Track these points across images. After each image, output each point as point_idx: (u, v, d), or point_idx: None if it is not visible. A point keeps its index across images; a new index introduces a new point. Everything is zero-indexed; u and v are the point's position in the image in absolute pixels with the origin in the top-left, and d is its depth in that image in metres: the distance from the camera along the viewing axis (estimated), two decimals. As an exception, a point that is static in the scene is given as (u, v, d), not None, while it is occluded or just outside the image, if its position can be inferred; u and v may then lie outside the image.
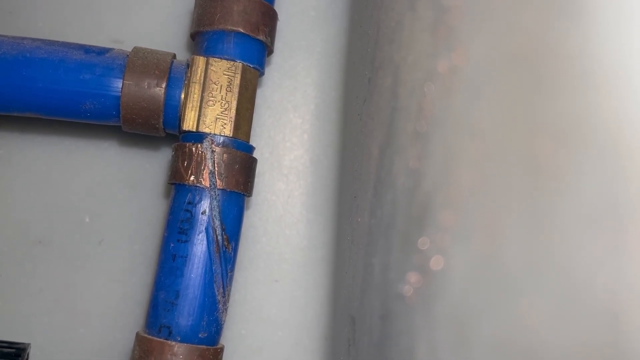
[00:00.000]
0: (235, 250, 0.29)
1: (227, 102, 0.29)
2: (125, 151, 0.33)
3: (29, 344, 0.29)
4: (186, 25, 0.34)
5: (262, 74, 0.31)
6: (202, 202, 0.28)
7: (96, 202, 0.32)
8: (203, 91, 0.29)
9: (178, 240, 0.28)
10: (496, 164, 0.16)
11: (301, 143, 0.34)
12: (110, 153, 0.33)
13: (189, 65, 0.30)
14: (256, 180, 0.33)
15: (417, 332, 0.18)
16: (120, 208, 0.33)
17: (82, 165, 0.33)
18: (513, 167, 0.15)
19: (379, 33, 0.25)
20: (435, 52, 0.19)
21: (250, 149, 0.30)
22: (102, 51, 0.29)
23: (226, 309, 0.29)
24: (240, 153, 0.29)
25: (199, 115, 0.29)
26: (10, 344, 0.28)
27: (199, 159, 0.28)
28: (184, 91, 0.29)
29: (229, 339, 0.32)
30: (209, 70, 0.29)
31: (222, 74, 0.29)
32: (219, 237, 0.28)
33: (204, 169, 0.28)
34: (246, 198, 0.30)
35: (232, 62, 0.29)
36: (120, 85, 0.28)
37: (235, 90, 0.29)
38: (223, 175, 0.28)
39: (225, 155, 0.28)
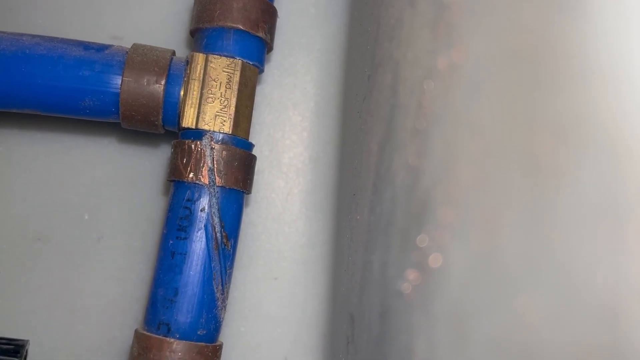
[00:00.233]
0: (234, 247, 0.29)
1: (227, 99, 0.29)
2: (124, 148, 0.33)
3: (27, 341, 0.29)
4: (186, 22, 0.34)
5: (261, 71, 0.31)
6: (201, 199, 0.28)
7: (95, 199, 0.32)
8: (202, 88, 0.29)
9: (177, 238, 0.28)
10: (495, 161, 0.16)
11: (300, 140, 0.34)
12: (110, 150, 0.33)
13: (188, 62, 0.30)
14: (255, 177, 0.33)
15: (416, 330, 0.18)
16: (119, 205, 0.33)
17: (81, 162, 0.33)
18: (512, 164, 0.15)
19: (378, 30, 0.25)
20: (435, 49, 0.19)
21: (250, 146, 0.30)
22: (101, 48, 0.29)
23: (225, 306, 0.29)
24: (240, 150, 0.29)
25: (198, 112, 0.29)
26: (9, 341, 0.28)
27: (198, 156, 0.28)
28: (183, 88, 0.29)
29: (227, 336, 0.32)
30: (208, 67, 0.29)
31: (221, 71, 0.29)
32: (218, 235, 0.28)
33: (203, 166, 0.28)
34: (245, 195, 0.30)
35: (231, 59, 0.29)
36: (119, 82, 0.28)
37: (235, 87, 0.29)
38: (222, 173, 0.28)
39: (224, 153, 0.28)
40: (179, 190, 0.29)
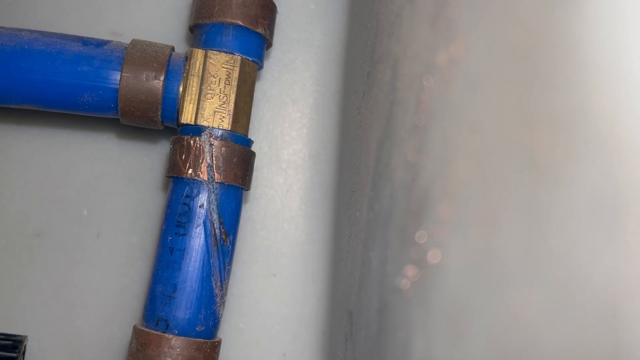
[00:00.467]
0: (233, 243, 0.29)
1: (226, 95, 0.29)
2: (123, 144, 0.33)
3: (26, 337, 0.29)
4: (185, 18, 0.34)
5: (260, 67, 0.31)
6: (200, 195, 0.28)
7: (94, 195, 0.32)
8: (201, 84, 0.29)
9: (176, 234, 0.28)
10: (494, 157, 0.16)
11: (300, 137, 0.34)
12: (109, 146, 0.33)
13: (187, 58, 0.29)
14: (255, 174, 0.33)
15: (414, 326, 0.18)
16: (118, 201, 0.32)
17: (80, 158, 0.33)
18: (511, 161, 0.15)
19: (378, 26, 0.25)
20: (434, 44, 0.19)
21: (249, 142, 0.30)
22: (100, 43, 0.29)
23: (224, 303, 0.29)
24: (239, 146, 0.29)
25: (198, 109, 0.29)
26: (8, 336, 0.28)
27: (197, 152, 0.28)
28: (182, 84, 0.29)
29: (226, 332, 0.32)
30: (207, 63, 0.29)
31: (220, 66, 0.29)
32: (217, 231, 0.28)
33: (202, 162, 0.28)
34: (244, 192, 0.30)
35: (230, 55, 0.29)
36: (118, 77, 0.28)
37: (234, 83, 0.29)
38: (221, 169, 0.28)
39: (223, 149, 0.28)
40: (177, 187, 0.29)
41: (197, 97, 0.29)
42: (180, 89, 0.29)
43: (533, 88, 0.15)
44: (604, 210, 0.13)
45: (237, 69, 0.29)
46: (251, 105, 0.31)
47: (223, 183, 0.28)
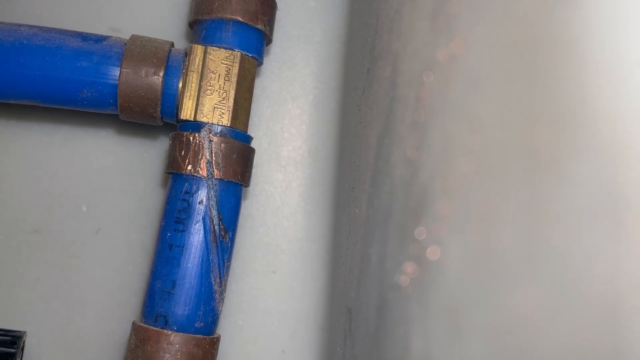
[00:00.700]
0: (232, 240, 0.29)
1: (225, 91, 0.29)
2: (122, 140, 0.33)
3: (24, 332, 0.29)
4: (184, 14, 0.34)
5: (260, 63, 0.31)
6: (200, 191, 0.28)
7: (93, 190, 0.32)
8: (201, 80, 0.29)
9: (175, 230, 0.28)
10: (494, 154, 0.16)
11: (299, 134, 0.34)
12: (108, 142, 0.33)
13: (187, 54, 0.29)
14: (254, 170, 0.33)
15: (413, 322, 0.18)
16: (117, 197, 0.32)
17: (79, 154, 0.33)
18: (511, 157, 0.15)
19: (378, 23, 0.25)
20: (434, 41, 0.19)
21: (248, 139, 0.30)
22: (99, 39, 0.29)
23: (223, 299, 0.29)
24: (238, 143, 0.29)
25: (197, 105, 0.29)
26: (6, 332, 0.28)
27: (196, 148, 0.28)
28: (181, 80, 0.29)
29: (225, 329, 0.32)
30: (207, 59, 0.29)
31: (220, 63, 0.29)
32: (216, 227, 0.28)
33: (202, 158, 0.28)
34: (244, 188, 0.30)
35: (230, 51, 0.29)
36: (117, 73, 0.28)
37: (234, 79, 0.29)
38: (220, 165, 0.28)
39: (222, 145, 0.28)
40: (177, 183, 0.29)
41: (196, 93, 0.29)
42: (180, 84, 0.29)
43: (533, 85, 0.15)
44: (603, 207, 0.13)
45: (236, 65, 0.29)
46: (251, 101, 0.31)
47: (222, 179, 0.28)
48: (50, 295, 0.31)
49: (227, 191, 0.29)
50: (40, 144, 0.32)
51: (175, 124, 0.30)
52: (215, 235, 0.28)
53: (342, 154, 0.33)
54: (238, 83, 0.29)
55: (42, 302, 0.31)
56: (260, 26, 0.30)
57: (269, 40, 0.32)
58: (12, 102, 0.30)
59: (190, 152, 0.28)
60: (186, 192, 0.28)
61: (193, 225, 0.28)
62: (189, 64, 0.29)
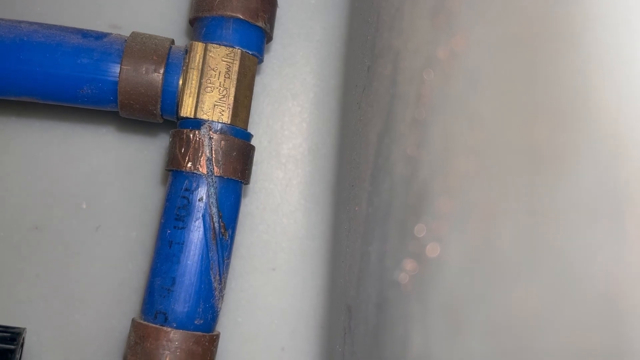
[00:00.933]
0: (232, 237, 0.29)
1: (226, 88, 0.29)
2: (122, 137, 0.33)
3: (24, 329, 0.29)
4: (185, 11, 0.34)
5: (261, 61, 0.31)
6: (199, 189, 0.28)
7: (93, 188, 0.32)
8: (201, 77, 0.29)
9: (175, 227, 0.28)
10: (494, 152, 0.16)
11: (300, 131, 0.34)
12: (108, 139, 0.33)
13: (187, 51, 0.29)
14: (254, 168, 0.33)
15: (412, 320, 0.18)
16: (117, 194, 0.32)
17: (79, 151, 0.32)
18: (511, 155, 0.15)
19: (379, 20, 0.25)
20: (435, 38, 0.19)
21: (248, 136, 0.30)
22: (100, 36, 0.29)
23: (222, 296, 0.29)
24: (238, 140, 0.29)
25: (197, 102, 0.29)
26: (6, 328, 0.28)
27: (196, 145, 0.28)
28: (182, 77, 0.29)
29: (225, 326, 0.32)
30: (207, 57, 0.29)
31: (220, 60, 0.29)
32: (216, 224, 0.28)
33: (202, 155, 0.28)
34: (244, 186, 0.30)
35: (230, 49, 0.29)
36: (117, 70, 0.28)
37: (234, 76, 0.29)
38: (220, 162, 0.28)
39: (222, 142, 0.28)
40: (177, 180, 0.29)
41: (196, 91, 0.29)
42: (180, 82, 0.29)
43: (534, 82, 0.15)
44: (604, 203, 0.13)
45: (237, 63, 0.29)
46: (251, 99, 0.30)
47: (222, 177, 0.28)
48: (50, 292, 0.31)
49: (227, 189, 0.29)
50: (40, 141, 0.32)
51: (176, 121, 0.30)
52: (215, 232, 0.28)
53: (342, 151, 0.33)
54: (238, 80, 0.29)
55: (42, 299, 0.31)
56: (260, 24, 0.30)
57: (269, 38, 0.32)
58: (12, 98, 0.30)
59: (190, 150, 0.28)
60: (186, 190, 0.28)
61: (193, 223, 0.28)
62: (189, 61, 0.29)
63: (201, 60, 0.29)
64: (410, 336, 0.18)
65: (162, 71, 0.28)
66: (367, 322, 0.22)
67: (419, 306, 0.18)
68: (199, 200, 0.28)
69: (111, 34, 0.29)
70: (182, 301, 0.27)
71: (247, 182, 0.30)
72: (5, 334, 0.28)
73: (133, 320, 0.28)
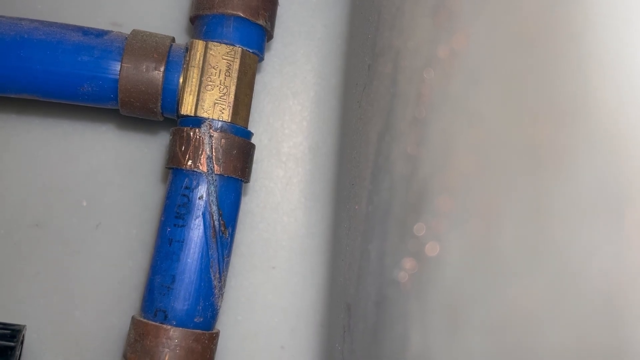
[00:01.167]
0: (232, 235, 0.29)
1: (226, 87, 0.29)
2: (123, 135, 0.33)
3: (24, 326, 0.29)
4: (186, 9, 0.34)
5: (261, 59, 0.31)
6: (200, 187, 0.28)
7: (94, 185, 0.32)
8: (202, 75, 0.29)
9: (175, 225, 0.28)
10: (494, 150, 0.16)
11: (300, 130, 0.34)
12: (108, 136, 0.33)
13: (187, 49, 0.29)
14: (254, 166, 0.33)
15: (411, 318, 0.18)
16: (117, 192, 0.32)
17: (79, 149, 0.33)
18: (511, 153, 0.15)
19: (379, 19, 0.25)
20: (435, 37, 0.19)
21: (249, 134, 0.30)
22: (100, 33, 0.29)
23: (222, 294, 0.29)
24: (238, 138, 0.29)
25: (197, 100, 0.29)
26: (6, 326, 0.28)
27: (196, 143, 0.28)
28: (182, 75, 0.29)
29: (225, 324, 0.32)
30: (207, 55, 0.29)
31: (221, 58, 0.29)
32: (216, 223, 0.28)
33: (202, 153, 0.28)
34: (244, 184, 0.30)
35: (231, 47, 0.29)
36: (118, 68, 0.28)
37: (234, 75, 0.29)
38: (221, 161, 0.28)
39: (223, 141, 0.28)
40: (177, 178, 0.29)
41: (197, 89, 0.29)
42: (181, 80, 0.29)
43: (534, 80, 0.15)
44: (604, 202, 0.13)
45: (237, 61, 0.29)
46: (251, 97, 0.30)
47: (222, 175, 0.28)
48: (50, 290, 0.31)
49: (227, 187, 0.29)
50: (40, 139, 0.32)
51: (176, 119, 0.30)
52: (215, 230, 0.28)
53: (342, 150, 0.33)
54: (239, 79, 0.29)
55: (42, 296, 0.31)
56: (261, 22, 0.30)
57: (270, 36, 0.31)
58: (12, 96, 0.30)
59: (191, 148, 0.28)
60: (186, 188, 0.28)
61: (193, 221, 0.28)
62: (189, 59, 0.29)
63: (202, 58, 0.29)
64: (409, 335, 0.18)
65: (162, 69, 0.28)
66: (366, 320, 0.22)
67: (418, 305, 0.18)
68: (199, 198, 0.28)
69: (112, 31, 0.29)
70: (181, 299, 0.27)
71: (247, 181, 0.30)
72: (5, 331, 0.28)
73: (133, 318, 0.28)
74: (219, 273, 0.28)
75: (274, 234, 0.33)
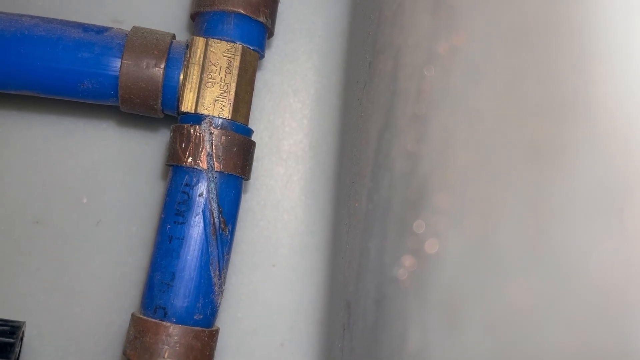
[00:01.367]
0: (232, 233, 0.29)
1: (226, 84, 0.29)
2: (123, 132, 0.33)
3: (24, 322, 0.29)
4: (186, 6, 0.34)
5: (262, 56, 0.31)
6: (200, 184, 0.28)
7: (94, 182, 0.32)
8: (202, 72, 0.29)
9: (175, 222, 0.28)
10: (494, 147, 0.16)
11: (301, 128, 0.34)
12: (109, 133, 0.33)
13: (188, 46, 0.29)
14: (255, 164, 0.33)
15: (411, 316, 0.18)
16: (118, 189, 0.32)
17: (80, 146, 0.33)
18: (510, 150, 0.15)
19: (380, 16, 0.25)
20: (435, 34, 0.19)
21: (249, 132, 0.30)
22: (101, 30, 0.29)
23: (222, 292, 0.29)
24: (239, 136, 0.29)
25: (198, 97, 0.29)
26: (6, 322, 0.28)
27: (197, 140, 0.28)
28: (182, 72, 0.29)
29: (224, 321, 0.32)
30: (208, 52, 0.29)
31: (221, 55, 0.29)
32: (216, 220, 0.28)
33: (202, 151, 0.28)
34: (244, 182, 0.30)
35: (231, 44, 0.29)
36: (118, 64, 0.28)
37: (235, 72, 0.29)
38: (221, 158, 0.28)
39: (223, 138, 0.28)
40: (177, 175, 0.29)
41: (197, 86, 0.29)
42: (181, 77, 0.29)
43: (534, 78, 0.15)
44: (603, 199, 0.13)
45: (238, 58, 0.29)
46: (252, 94, 0.30)
47: (223, 172, 0.28)
48: (50, 286, 0.31)
49: (227, 184, 0.29)
50: (40, 136, 0.32)
51: (176, 116, 0.30)
52: (215, 228, 0.28)
53: (342, 148, 0.33)
54: (239, 76, 0.29)
55: (42, 292, 0.31)
56: (262, 19, 0.30)
57: (270, 33, 0.31)
58: (12, 92, 0.30)
59: (191, 145, 0.28)
60: (186, 185, 0.28)
61: (193, 218, 0.28)
62: (190, 56, 0.29)
63: (202, 55, 0.29)
64: (408, 332, 0.18)
65: (163, 66, 0.28)
66: (365, 318, 0.22)
67: (417, 302, 0.18)
68: (199, 195, 0.28)
69: (112, 28, 0.29)
70: (181, 296, 0.27)
71: (247, 178, 0.30)
72: (5, 328, 0.28)
73: (132, 315, 0.28)
74: (219, 270, 0.28)
75: (274, 231, 0.33)
